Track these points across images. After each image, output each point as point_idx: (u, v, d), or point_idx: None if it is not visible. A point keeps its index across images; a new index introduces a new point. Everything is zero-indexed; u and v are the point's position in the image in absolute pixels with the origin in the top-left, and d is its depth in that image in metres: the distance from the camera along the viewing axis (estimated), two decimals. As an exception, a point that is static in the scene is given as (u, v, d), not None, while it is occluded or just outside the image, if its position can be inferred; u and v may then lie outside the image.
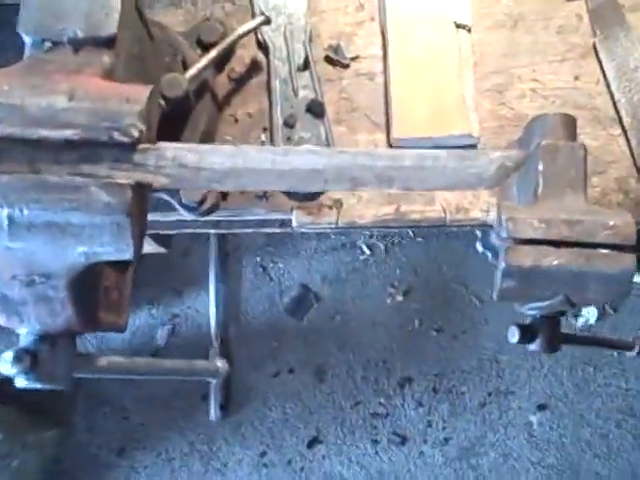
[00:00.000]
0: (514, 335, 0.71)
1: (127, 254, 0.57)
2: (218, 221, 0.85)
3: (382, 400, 1.72)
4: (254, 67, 0.84)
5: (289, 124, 0.81)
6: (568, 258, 0.65)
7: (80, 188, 0.55)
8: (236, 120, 0.83)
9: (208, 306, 1.70)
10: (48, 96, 0.58)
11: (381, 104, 0.83)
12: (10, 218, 0.56)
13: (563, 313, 0.72)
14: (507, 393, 1.71)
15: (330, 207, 0.80)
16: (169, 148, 0.57)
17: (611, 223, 0.65)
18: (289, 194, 0.80)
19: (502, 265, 0.64)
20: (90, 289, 0.63)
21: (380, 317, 1.72)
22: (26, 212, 0.56)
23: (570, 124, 0.73)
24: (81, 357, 0.63)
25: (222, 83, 0.83)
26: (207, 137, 0.80)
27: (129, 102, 0.57)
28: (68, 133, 0.56)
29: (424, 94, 0.80)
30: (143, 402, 1.72)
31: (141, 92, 0.58)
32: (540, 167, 0.70)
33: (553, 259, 0.64)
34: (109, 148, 0.56)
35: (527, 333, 0.72)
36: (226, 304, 1.72)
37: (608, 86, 0.81)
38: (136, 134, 0.56)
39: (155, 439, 1.72)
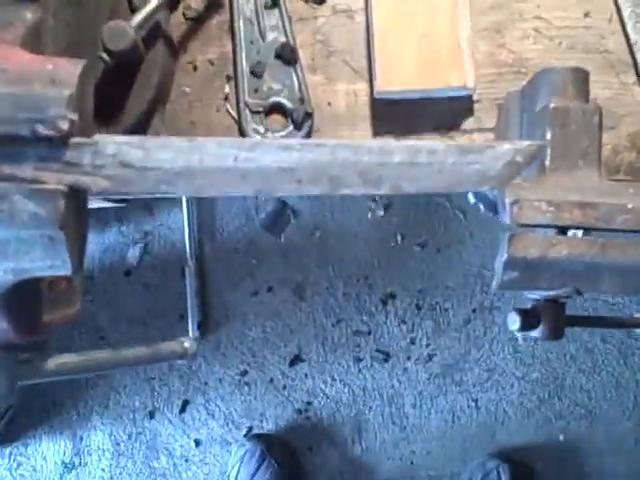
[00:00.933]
0: (515, 322, 0.64)
1: (63, 270, 0.48)
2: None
3: (364, 317, 1.69)
4: (214, 4, 0.71)
5: (256, 73, 0.70)
6: (580, 247, 0.57)
7: (1, 197, 0.46)
8: (195, 68, 0.72)
9: (182, 223, 1.63)
10: (-48, 78, 0.47)
11: (363, 47, 0.71)
12: None
13: (569, 296, 0.64)
14: (492, 309, 1.67)
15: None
16: (109, 143, 0.47)
17: (630, 206, 0.57)
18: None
19: (504, 256, 0.56)
20: (28, 295, 0.55)
21: (361, 232, 1.65)
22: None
23: (583, 81, 0.63)
24: (23, 365, 0.55)
25: (177, 24, 0.71)
26: (161, 91, 0.69)
27: (55, 84, 0.47)
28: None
29: (412, 36, 0.68)
30: (119, 321, 1.69)
31: (70, 70, 0.47)
32: (548, 135, 0.60)
33: (563, 249, 0.56)
34: (33, 145, 0.46)
35: (529, 319, 0.64)
36: (200, 221, 1.65)
37: (623, 25, 0.70)
38: (65, 126, 0.45)
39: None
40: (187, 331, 1.63)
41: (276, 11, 0.71)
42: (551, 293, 0.61)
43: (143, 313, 1.67)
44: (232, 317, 1.67)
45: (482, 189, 0.47)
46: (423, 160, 0.46)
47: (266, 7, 0.71)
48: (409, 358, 1.69)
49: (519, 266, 0.57)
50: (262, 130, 0.70)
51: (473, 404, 1.67)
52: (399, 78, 0.68)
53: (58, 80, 0.47)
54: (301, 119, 0.69)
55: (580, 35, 0.70)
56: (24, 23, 0.52)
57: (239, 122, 0.70)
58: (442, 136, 0.70)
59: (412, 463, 1.68)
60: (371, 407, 1.69)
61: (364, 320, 1.68)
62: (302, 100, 0.70)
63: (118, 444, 1.71)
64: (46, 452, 1.72)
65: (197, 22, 0.71)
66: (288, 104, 0.70)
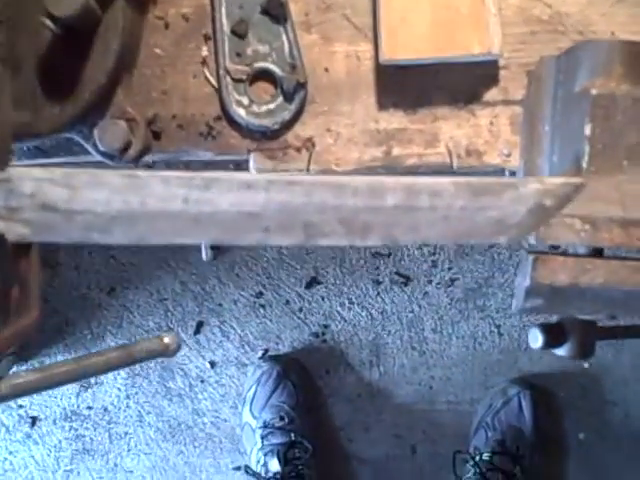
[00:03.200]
0: (537, 340, 0.55)
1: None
2: (154, 163, 0.65)
3: (384, 239, 1.60)
4: (187, -55, 0.59)
5: (238, 33, 0.58)
6: (620, 274, 0.47)
7: None
8: (167, 25, 0.60)
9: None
10: None
11: (366, 0, 0.59)
12: None
13: (599, 318, 0.55)
14: (519, 231, 1.57)
15: (298, 149, 0.59)
16: (26, 179, 0.37)
17: (681, 224, 0.46)
18: (244, 131, 0.60)
19: (527, 281, 0.47)
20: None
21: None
22: None
23: (634, 57, 0.50)
24: None
25: (144, -30, 0.59)
26: (125, 57, 0.57)
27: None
28: None
29: (427, -12, 0.56)
30: (130, 240, 1.63)
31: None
32: (587, 130, 0.49)
33: (598, 275, 0.46)
34: None
35: (554, 336, 0.55)
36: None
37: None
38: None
39: (146, 279, 1.67)
40: (200, 251, 1.58)
41: (262, -45, 0.58)
42: (583, 317, 0.52)
43: (154, 233, 1.61)
44: (246, 237, 1.60)
45: (499, 241, 0.37)
46: (424, 204, 0.36)
47: (250, -51, 0.58)
48: (430, 282, 1.62)
49: (544, 293, 0.48)
50: (246, 102, 0.59)
51: (495, 330, 1.61)
52: (409, 43, 0.56)
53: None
54: (292, 89, 0.58)
55: (637, -16, 0.57)
56: None
57: (219, 92, 0.59)
58: (459, 110, 0.58)
59: (431, 388, 1.65)
60: (390, 331, 1.64)
61: (384, 241, 1.60)
62: (293, 66, 0.58)
63: (133, 364, 1.69)
64: (62, 370, 1.71)
65: (168, -32, 0.59)
66: (277, 71, 0.58)
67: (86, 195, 0.37)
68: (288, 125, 0.59)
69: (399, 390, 1.66)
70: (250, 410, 1.61)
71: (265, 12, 0.58)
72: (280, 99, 0.59)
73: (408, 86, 0.59)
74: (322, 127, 0.59)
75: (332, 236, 0.37)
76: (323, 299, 1.64)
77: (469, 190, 0.36)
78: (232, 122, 0.60)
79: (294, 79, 0.58)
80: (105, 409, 1.71)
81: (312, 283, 1.63)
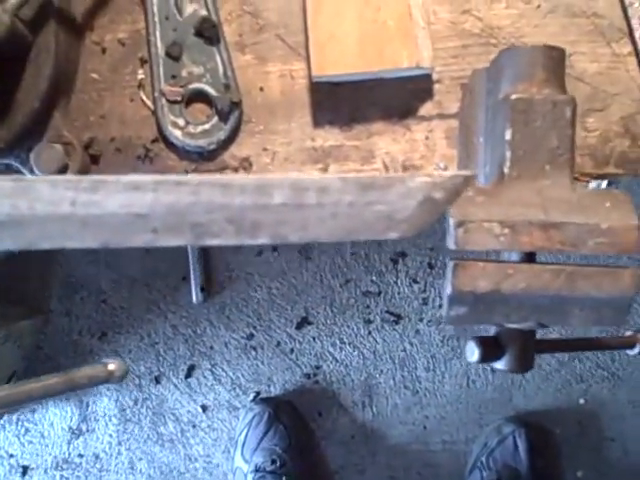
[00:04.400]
0: (473, 353, 0.54)
1: None
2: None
3: (374, 277, 1.60)
4: (121, -29, 0.60)
5: (173, 55, 0.59)
6: (542, 279, 0.46)
7: None
8: (103, 50, 0.61)
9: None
10: None
11: (300, 19, 0.59)
12: None
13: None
14: (510, 266, 1.56)
15: (236, 169, 0.59)
16: None
17: (604, 226, 0.45)
18: (181, 153, 0.60)
19: (448, 289, 0.46)
20: None
21: (370, 188, 1.55)
22: None
23: (557, 62, 0.50)
24: None
25: (80, -3, 0.60)
26: (60, 82, 0.58)
27: None
28: None
29: (352, 3, 0.56)
30: (121, 284, 1.64)
31: None
32: (507, 134, 0.48)
33: (520, 280, 0.45)
34: None
35: (490, 349, 0.54)
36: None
37: (617, -20, 0.56)
38: None
39: (137, 323, 1.66)
40: (190, 293, 1.58)
41: (194, -22, 0.59)
42: (512, 325, 0.50)
43: (146, 276, 1.61)
44: (236, 278, 1.61)
45: (390, 237, 0.36)
46: (311, 201, 0.35)
47: (182, -26, 0.59)
48: (421, 319, 1.60)
49: (467, 301, 0.47)
50: (182, 123, 0.59)
51: (488, 367, 1.58)
52: (338, 59, 0.56)
53: None
54: (227, 109, 0.58)
55: (563, -5, 0.57)
56: None
57: (156, 114, 0.60)
58: (394, 125, 0.58)
59: (425, 428, 1.62)
60: (382, 371, 1.62)
61: (374, 280, 1.60)
62: (228, 86, 0.59)
63: (124, 410, 1.68)
64: (53, 418, 1.70)
65: (104, -5, 0.60)
66: (211, 91, 0.59)
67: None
68: (224, 145, 0.59)
69: (393, 431, 1.63)
70: (242, 454, 1.58)
71: (198, 34, 0.59)
72: (215, 119, 0.59)
73: (342, 103, 0.59)
74: (258, 146, 0.59)
75: (222, 236, 0.36)
76: (314, 339, 1.63)
77: (357, 185, 0.36)
78: (169, 144, 0.60)
79: (228, 99, 0.58)
80: (97, 457, 1.69)
81: (303, 323, 1.62)
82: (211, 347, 1.64)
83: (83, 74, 0.60)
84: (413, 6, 0.56)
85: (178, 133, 0.59)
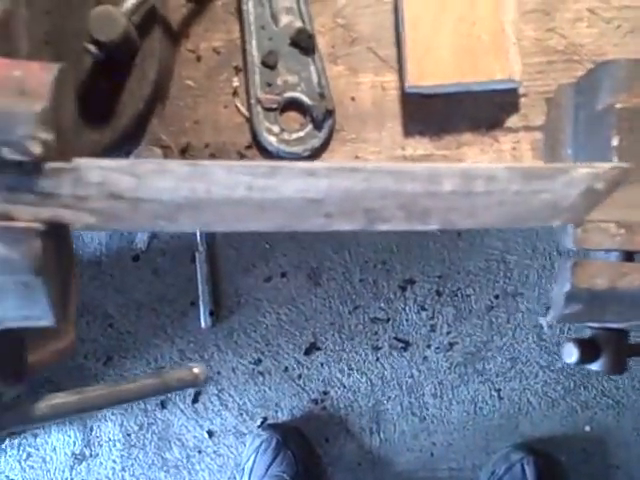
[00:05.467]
0: (571, 354, 0.55)
1: (43, 320, 0.40)
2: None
3: (382, 304, 1.61)
4: (219, -17, 0.62)
5: (268, 64, 0.61)
6: (658, 276, 0.48)
7: (-39, 236, 0.37)
8: (198, 58, 0.62)
9: (191, 206, 1.56)
10: None
11: (391, 33, 0.62)
12: None
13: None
14: (515, 295, 1.59)
15: (326, 175, 0.61)
16: (93, 168, 0.38)
17: None
18: (274, 159, 0.62)
19: (566, 286, 0.48)
20: (8, 340, 0.47)
21: (380, 215, 1.57)
22: None
23: (653, 75, 0.53)
24: (8, 412, 0.48)
25: (176, 6, 0.62)
26: (161, 85, 0.60)
27: (24, 96, 0.38)
28: None
29: (448, 19, 0.59)
30: (128, 309, 1.63)
31: (42, 77, 0.39)
32: (615, 141, 0.51)
33: (636, 279, 0.47)
34: (1, 171, 0.38)
35: (588, 351, 0.56)
36: (211, 204, 1.57)
37: (695, 4, 0.60)
38: (37, 150, 0.37)
39: (144, 347, 1.65)
40: (199, 319, 1.58)
41: (291, -9, 0.61)
42: (619, 325, 0.53)
43: (153, 300, 1.61)
44: (245, 304, 1.61)
45: (553, 224, 0.38)
46: (480, 189, 0.37)
47: (279, -13, 0.61)
48: (429, 346, 1.62)
49: (583, 298, 0.49)
50: (277, 130, 0.61)
51: (496, 394, 1.60)
52: (434, 70, 0.59)
53: (28, 91, 0.38)
54: (321, 117, 0.60)
55: (642, 17, 0.61)
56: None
57: (250, 121, 0.62)
58: (483, 136, 0.61)
59: (432, 455, 1.62)
60: (390, 397, 1.63)
61: (382, 307, 1.61)
62: (322, 95, 0.61)
63: (129, 435, 1.66)
64: (56, 443, 1.67)
65: (199, 4, 0.62)
66: (306, 100, 0.61)
67: (152, 183, 0.38)
68: (317, 153, 0.61)
69: (400, 457, 1.63)
70: (249, 480, 1.57)
71: (294, 44, 0.61)
72: (310, 127, 0.61)
73: (433, 114, 0.61)
74: (350, 154, 0.61)
75: (392, 221, 0.38)
76: (322, 365, 1.64)
77: (522, 175, 0.38)
78: (263, 150, 0.62)
79: (323, 107, 0.60)
80: (100, 483, 1.66)
81: (311, 349, 1.63)
82: (218, 372, 1.64)
83: (178, 81, 0.62)
84: (506, 22, 0.59)
85: (273, 139, 0.61)
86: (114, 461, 1.67)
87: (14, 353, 0.48)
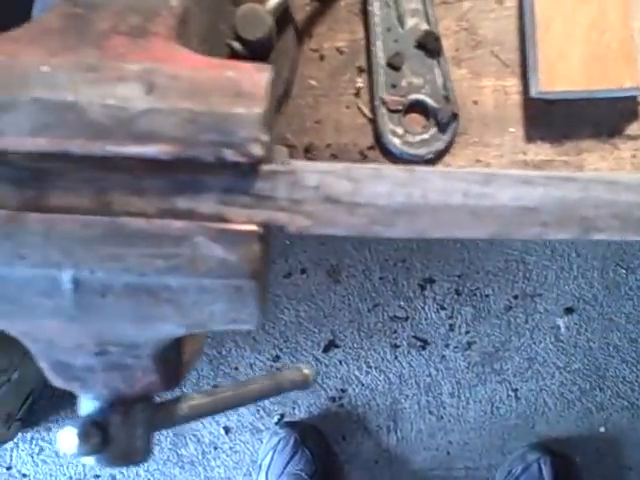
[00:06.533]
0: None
1: (248, 324, 0.39)
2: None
3: (402, 302, 1.62)
4: (344, -17, 0.61)
5: (394, 65, 0.61)
6: None
7: (181, 238, 0.37)
8: (322, 57, 0.62)
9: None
10: (114, 85, 0.37)
11: (514, 37, 0.62)
12: (76, 282, 0.37)
13: None
14: (534, 296, 1.61)
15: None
16: (310, 172, 0.38)
17: None
18: (396, 161, 0.61)
19: None
20: (178, 346, 0.46)
21: (400, 214, 1.58)
22: (100, 274, 0.37)
23: None
24: (159, 413, 0.47)
25: (300, 6, 0.61)
26: (290, 84, 0.59)
27: (241, 98, 0.37)
28: (154, 150, 0.36)
29: (580, 26, 0.59)
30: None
31: (255, 78, 0.38)
32: None
33: None
34: (216, 173, 0.37)
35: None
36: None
37: None
38: (259, 152, 0.36)
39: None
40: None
41: (418, -7, 0.61)
42: None
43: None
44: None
45: None
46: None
47: (406, -12, 0.61)
48: (447, 345, 1.63)
49: None
50: (401, 132, 0.61)
51: (512, 394, 1.62)
52: (564, 76, 0.59)
53: (244, 92, 0.37)
54: (446, 120, 0.60)
55: None
56: (171, 12, 0.42)
57: (374, 122, 0.61)
58: (603, 143, 0.61)
59: (449, 454, 1.63)
60: (407, 395, 1.63)
61: (401, 305, 1.62)
62: (447, 98, 0.61)
63: (144, 431, 1.64)
64: (68, 438, 1.64)
65: (323, 4, 0.62)
66: (431, 102, 0.61)
67: (369, 188, 0.38)
68: (440, 155, 0.61)
69: (416, 456, 1.64)
70: (266, 478, 1.56)
71: (420, 46, 0.61)
72: (434, 130, 0.61)
73: (555, 120, 0.62)
74: (472, 158, 0.61)
75: (607, 231, 0.38)
76: (341, 363, 1.64)
77: None
78: (386, 152, 0.61)
79: (449, 110, 0.60)
80: (113, 478, 1.65)
81: (330, 347, 1.63)
82: (236, 368, 1.63)
83: (300, 80, 0.61)
84: (636, 30, 0.59)
85: (397, 141, 0.60)
86: (129, 457, 1.65)
87: (175, 356, 0.47)
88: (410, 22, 0.61)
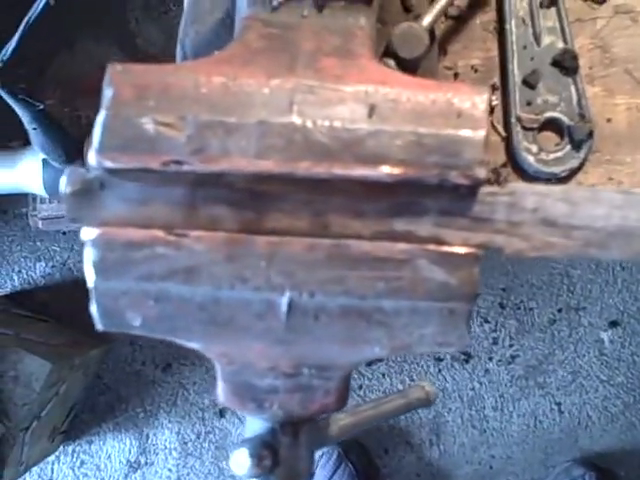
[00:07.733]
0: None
1: (455, 346, 0.39)
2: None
3: (446, 316, 1.61)
4: (479, 1, 0.61)
5: (530, 83, 0.60)
6: None
7: (404, 261, 0.36)
8: (456, 75, 0.61)
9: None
10: (335, 107, 0.37)
11: (647, 56, 0.62)
12: (292, 304, 0.36)
13: None
14: (578, 309, 1.61)
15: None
16: (528, 194, 0.37)
17: None
18: (528, 178, 0.61)
19: None
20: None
21: (444, 226, 1.57)
22: (319, 297, 0.36)
23: None
24: (316, 432, 0.46)
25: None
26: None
27: (463, 119, 0.37)
28: (380, 172, 0.36)
29: None
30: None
31: (472, 98, 0.38)
32: None
33: None
34: (435, 195, 0.36)
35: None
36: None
37: None
38: (483, 174, 0.36)
39: (202, 354, 1.62)
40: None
41: (553, 10, 0.61)
42: None
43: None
44: (306, 312, 1.59)
45: None
46: None
47: (542, 6, 0.61)
48: (491, 359, 1.63)
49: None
50: (535, 149, 0.60)
51: (556, 408, 1.62)
52: None
53: (465, 114, 0.37)
54: (582, 138, 0.60)
55: None
56: (364, 31, 0.42)
57: (508, 139, 0.61)
58: None
59: (491, 468, 1.63)
60: (450, 409, 1.63)
61: (445, 318, 1.61)
62: (582, 116, 0.60)
63: (186, 443, 1.63)
64: (111, 450, 1.63)
65: (459, 21, 0.61)
66: (566, 120, 0.60)
67: (585, 210, 0.37)
68: (573, 173, 0.60)
69: (459, 470, 1.64)
70: (310, 492, 1.54)
71: (556, 64, 0.60)
72: (568, 147, 0.60)
73: (689, 138, 0.61)
74: (604, 176, 0.61)
75: None
76: (384, 376, 1.63)
77: None
78: (518, 169, 0.61)
79: (586, 128, 0.60)
80: (151, 491, 1.63)
81: (373, 360, 1.62)
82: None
83: (434, 96, 0.61)
84: None
85: (531, 159, 0.60)
86: (170, 470, 1.64)
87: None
88: (546, 40, 0.61)
